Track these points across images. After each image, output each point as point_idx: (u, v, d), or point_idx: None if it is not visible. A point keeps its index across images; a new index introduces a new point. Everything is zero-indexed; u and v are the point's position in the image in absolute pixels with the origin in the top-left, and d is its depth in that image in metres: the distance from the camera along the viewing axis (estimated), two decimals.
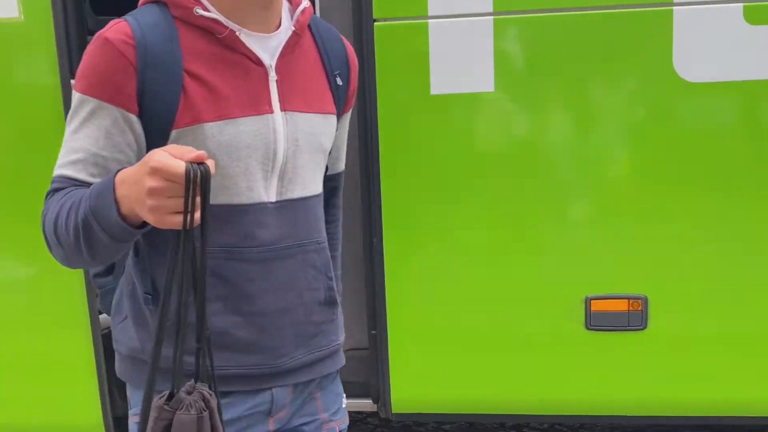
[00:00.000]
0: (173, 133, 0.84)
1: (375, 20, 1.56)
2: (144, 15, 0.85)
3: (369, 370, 1.76)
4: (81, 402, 1.77)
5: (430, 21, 1.55)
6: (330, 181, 1.06)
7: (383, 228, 1.65)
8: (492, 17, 1.55)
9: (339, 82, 0.98)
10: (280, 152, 0.88)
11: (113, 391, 1.81)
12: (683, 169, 1.58)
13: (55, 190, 0.83)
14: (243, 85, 0.86)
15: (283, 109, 0.89)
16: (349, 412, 1.90)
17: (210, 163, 0.68)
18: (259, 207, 0.88)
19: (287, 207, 0.91)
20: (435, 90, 1.57)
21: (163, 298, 0.71)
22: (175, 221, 0.68)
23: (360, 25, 1.58)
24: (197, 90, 0.83)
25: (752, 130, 1.58)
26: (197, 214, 0.68)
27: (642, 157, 1.60)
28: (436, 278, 1.66)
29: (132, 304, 0.92)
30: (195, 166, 0.66)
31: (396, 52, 1.58)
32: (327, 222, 1.04)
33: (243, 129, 0.85)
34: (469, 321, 1.66)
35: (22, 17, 1.67)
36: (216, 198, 0.76)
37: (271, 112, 0.87)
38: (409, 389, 1.70)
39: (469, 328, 1.66)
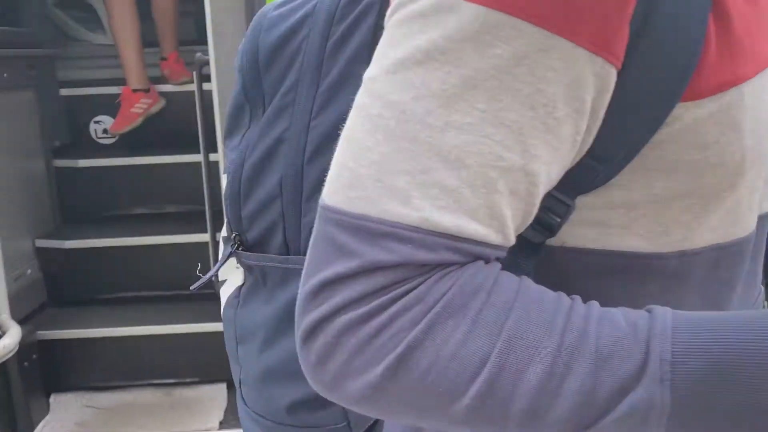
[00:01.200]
0: (681, 109, 0.36)
1: None
2: None
3: None
4: None
5: None
6: None
7: None
8: None
9: None
10: None
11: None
12: None
13: (427, 269, 0.33)
14: None
15: None
16: None
17: None
18: (749, 238, 0.45)
19: (761, 229, 0.48)
20: None
21: None
22: None
23: None
24: (737, 6, 0.37)
25: None
26: None
27: None
28: None
29: None
30: None
31: None
32: None
33: None
34: None
35: None
36: (715, 233, 0.41)
37: None
38: None
39: None
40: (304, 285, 0.35)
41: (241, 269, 0.60)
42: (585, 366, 0.32)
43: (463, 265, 0.34)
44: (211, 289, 2.06)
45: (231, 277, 0.63)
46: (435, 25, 0.33)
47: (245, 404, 0.61)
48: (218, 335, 1.73)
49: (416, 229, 0.32)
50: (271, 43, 0.54)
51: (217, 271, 0.63)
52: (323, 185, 0.38)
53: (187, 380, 2.02)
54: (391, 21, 0.35)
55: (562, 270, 0.40)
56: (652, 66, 0.35)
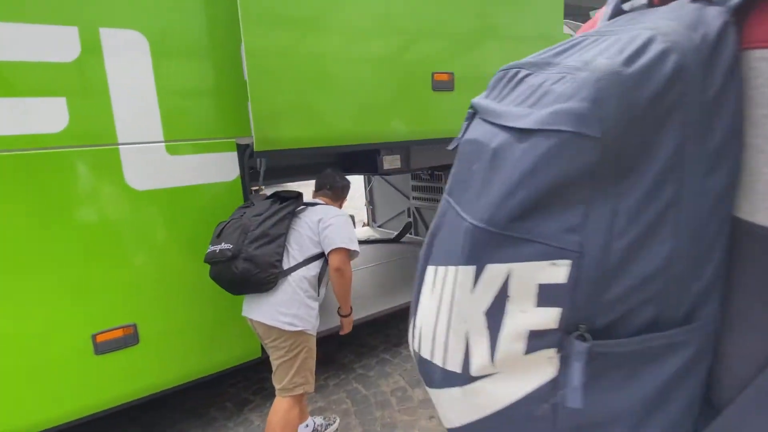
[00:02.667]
0: None
1: None
2: None
3: None
4: None
5: None
6: None
7: None
8: None
9: None
10: None
11: None
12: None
13: None
14: None
15: None
16: None
17: None
18: None
19: None
20: None
21: None
22: None
23: None
24: None
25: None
26: None
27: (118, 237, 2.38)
28: None
29: None
30: None
31: None
32: None
33: None
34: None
35: None
36: None
37: None
38: None
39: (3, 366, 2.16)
40: None
41: (555, 360, 0.49)
42: None
43: None
44: None
45: (514, 375, 0.51)
46: None
47: None
48: None
49: None
50: (643, 104, 0.44)
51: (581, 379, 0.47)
52: (747, 247, 0.41)
53: None
54: None
55: None
56: None
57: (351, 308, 2.47)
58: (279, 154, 2.54)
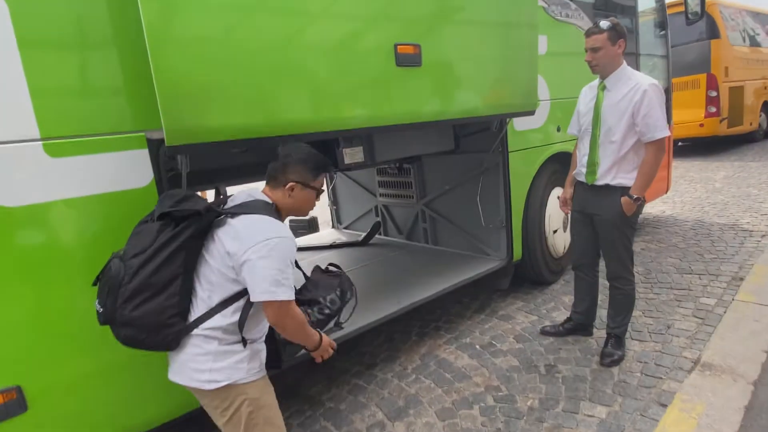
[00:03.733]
0: None
1: None
2: None
3: None
4: None
5: None
6: None
7: None
8: None
9: None
10: None
11: None
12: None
13: None
14: None
15: None
16: None
17: None
18: None
19: None
20: None
21: None
22: None
23: None
24: None
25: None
26: None
27: None
28: None
29: None
30: None
31: None
32: None
33: None
34: None
35: None
36: None
37: None
38: None
39: None
40: None
41: None
42: None
43: None
44: None
45: None
46: None
47: None
48: None
49: None
50: None
51: None
52: None
53: None
54: None
55: None
56: None
57: (320, 335, 1.82)
58: (205, 150, 1.93)
